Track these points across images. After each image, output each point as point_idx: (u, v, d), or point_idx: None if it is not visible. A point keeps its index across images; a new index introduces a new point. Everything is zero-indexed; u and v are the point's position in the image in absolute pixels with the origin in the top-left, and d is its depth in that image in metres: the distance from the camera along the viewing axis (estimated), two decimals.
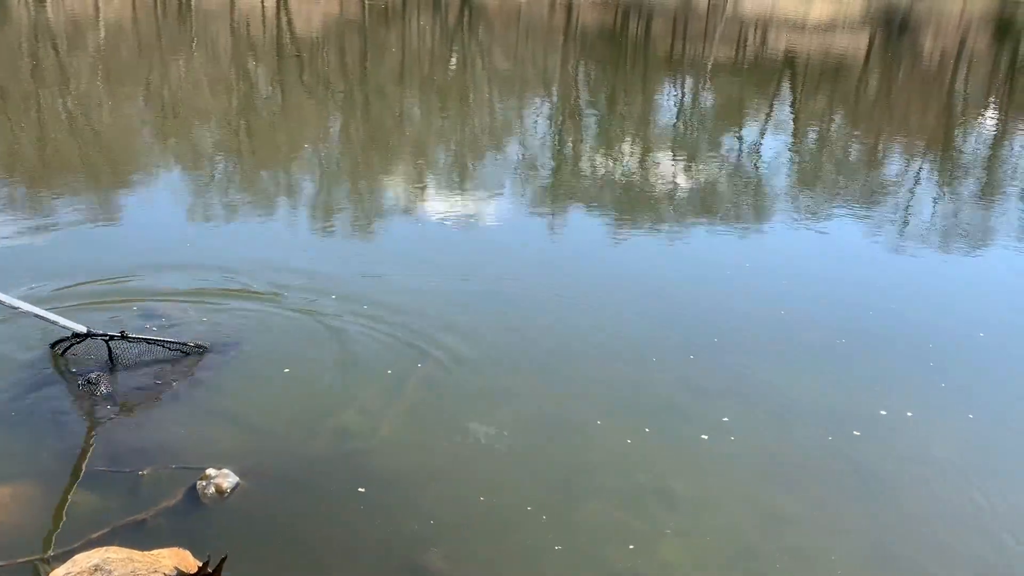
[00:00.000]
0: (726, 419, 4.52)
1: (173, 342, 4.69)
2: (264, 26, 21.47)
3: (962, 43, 27.14)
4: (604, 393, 4.76)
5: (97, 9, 21.62)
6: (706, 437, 4.36)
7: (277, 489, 3.71)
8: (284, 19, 22.83)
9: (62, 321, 4.40)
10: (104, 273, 5.75)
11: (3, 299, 4.21)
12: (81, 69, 14.14)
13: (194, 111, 11.94)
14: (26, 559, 3.10)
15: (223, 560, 2.61)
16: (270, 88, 14.09)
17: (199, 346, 4.75)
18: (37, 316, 4.34)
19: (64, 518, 3.43)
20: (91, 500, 3.55)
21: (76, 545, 3.14)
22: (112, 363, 4.57)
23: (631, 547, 3.53)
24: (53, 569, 2.69)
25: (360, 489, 3.75)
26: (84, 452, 3.87)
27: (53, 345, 4.63)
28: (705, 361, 5.18)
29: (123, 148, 9.90)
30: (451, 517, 3.65)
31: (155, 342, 4.64)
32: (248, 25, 21.37)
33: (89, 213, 7.07)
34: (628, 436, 4.31)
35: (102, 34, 18.18)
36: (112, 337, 4.49)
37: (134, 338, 4.56)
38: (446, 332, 5.27)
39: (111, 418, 4.15)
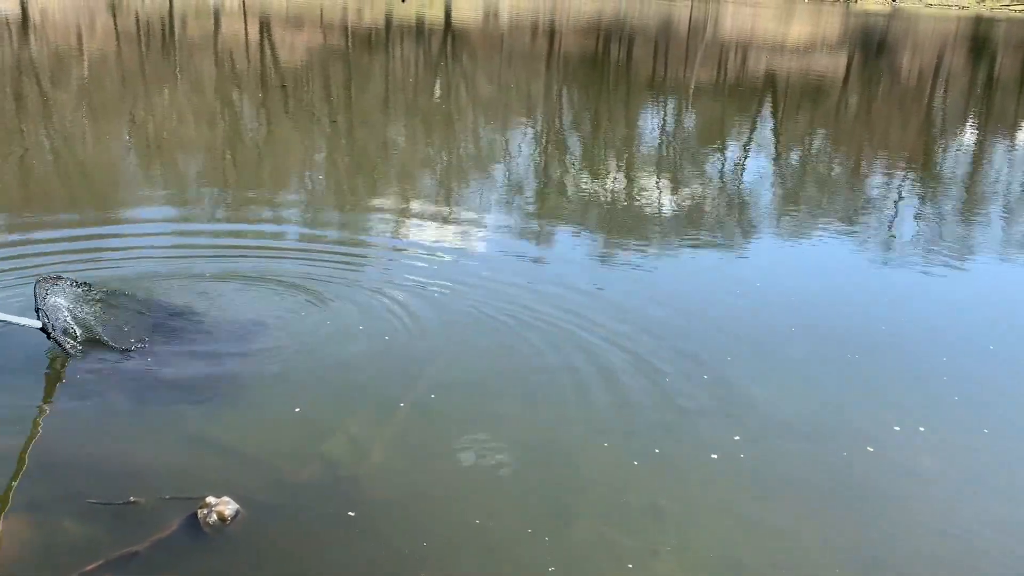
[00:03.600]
0: (737, 438, 4.51)
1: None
2: (248, 57, 21.58)
3: (939, 61, 27.56)
4: (605, 415, 4.73)
5: (81, 42, 21.68)
6: (715, 456, 4.35)
7: (275, 516, 3.68)
8: (268, 49, 22.96)
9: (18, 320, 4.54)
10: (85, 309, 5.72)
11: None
12: (66, 102, 14.14)
13: (180, 143, 11.96)
14: None
15: None
16: (255, 119, 14.13)
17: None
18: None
19: (56, 551, 3.39)
20: (83, 532, 3.51)
21: None
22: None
23: (629, 566, 3.51)
24: None
25: (351, 513, 3.73)
26: (74, 483, 3.82)
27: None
28: (713, 380, 5.14)
29: (108, 181, 9.89)
30: (444, 539, 3.63)
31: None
32: (232, 56, 21.46)
33: (73, 245, 7.04)
34: (634, 458, 4.29)
35: (86, 66, 18.21)
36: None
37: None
38: (437, 355, 5.27)
39: (100, 447, 4.11)
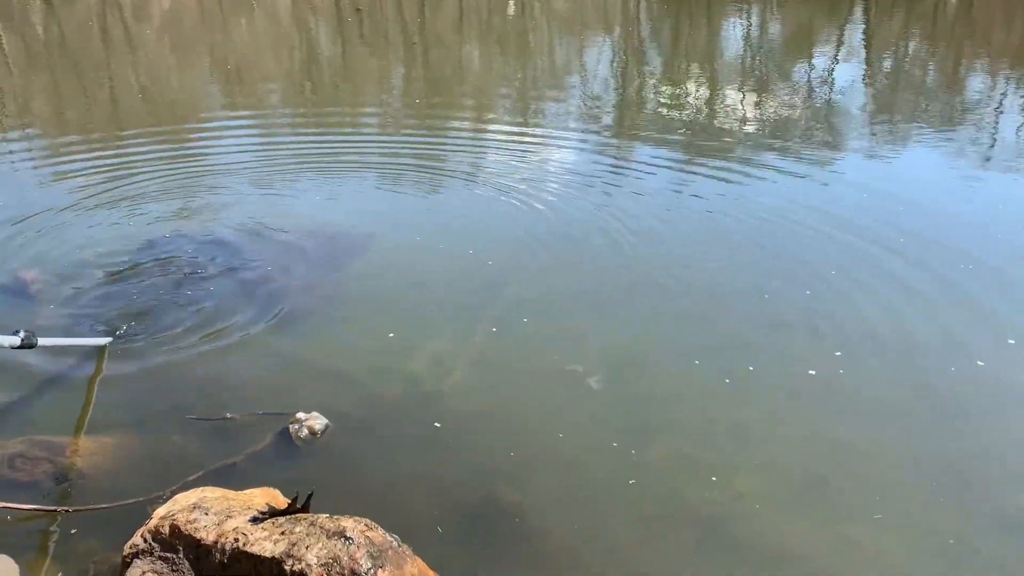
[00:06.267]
0: (838, 354, 4.38)
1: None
2: None
3: None
4: (697, 332, 4.65)
5: None
6: (813, 373, 4.25)
7: (362, 429, 3.80)
8: None
9: (87, 342, 4.40)
10: (178, 227, 5.96)
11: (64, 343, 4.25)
12: (147, 36, 14.40)
13: (259, 72, 12.08)
14: (132, 501, 3.26)
15: (310, 495, 2.69)
16: (332, 44, 14.12)
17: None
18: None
19: (161, 463, 3.59)
20: (186, 446, 3.70)
21: (174, 487, 3.28)
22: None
23: (713, 479, 3.51)
24: (156, 508, 2.83)
25: (436, 424, 3.82)
26: (176, 401, 4.02)
27: None
28: (816, 295, 4.99)
29: (193, 109, 10.10)
30: (528, 451, 3.68)
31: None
32: None
33: (165, 173, 7.26)
34: (725, 375, 4.22)
35: (166, 3, 18.45)
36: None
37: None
38: (518, 274, 5.29)
39: (198, 368, 4.29)
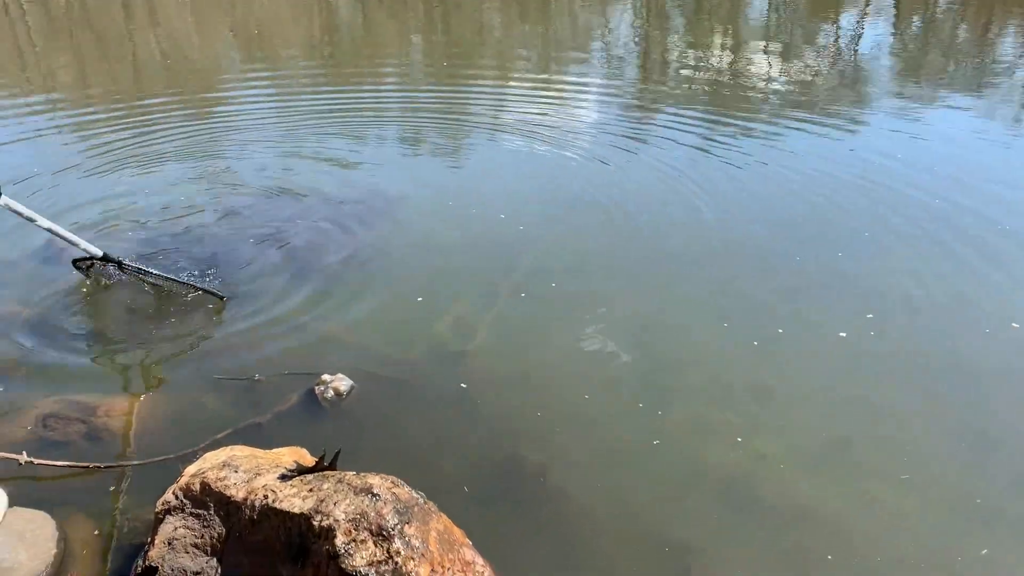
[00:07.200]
0: (870, 316, 4.34)
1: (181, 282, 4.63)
2: None
3: None
4: (726, 297, 4.62)
5: None
6: (844, 334, 4.22)
7: (388, 390, 3.83)
8: None
9: (82, 244, 4.41)
10: (201, 201, 5.99)
11: (32, 217, 4.18)
12: (169, 5, 14.37)
13: (282, 37, 12.03)
14: (163, 458, 3.32)
15: (337, 453, 2.73)
16: (350, 9, 14.03)
17: (210, 292, 4.60)
18: (61, 237, 4.34)
19: (191, 422, 3.64)
20: (215, 405, 3.76)
21: (203, 445, 3.34)
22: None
23: (739, 439, 3.51)
24: (186, 466, 2.87)
25: (463, 385, 3.85)
26: (203, 362, 4.07)
27: (74, 262, 4.69)
28: (849, 257, 4.96)
29: (217, 74, 10.10)
30: (553, 411, 3.70)
31: (166, 278, 4.60)
32: None
33: (190, 138, 7.29)
34: (754, 338, 4.20)
35: None
36: (121, 265, 4.55)
37: (134, 268, 4.58)
38: (547, 238, 5.27)
39: (224, 333, 4.33)
